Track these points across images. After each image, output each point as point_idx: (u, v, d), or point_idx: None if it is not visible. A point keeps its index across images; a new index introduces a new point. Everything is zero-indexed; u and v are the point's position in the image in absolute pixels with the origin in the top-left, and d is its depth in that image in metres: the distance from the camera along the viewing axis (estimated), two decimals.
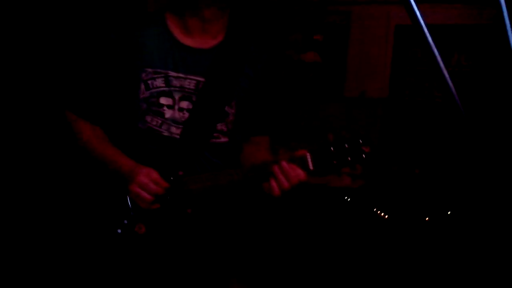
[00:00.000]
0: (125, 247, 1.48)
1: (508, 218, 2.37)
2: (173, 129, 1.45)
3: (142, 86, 1.43)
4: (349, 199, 2.97)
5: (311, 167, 1.33)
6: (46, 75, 2.62)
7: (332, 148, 1.32)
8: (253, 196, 1.64)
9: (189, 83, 1.44)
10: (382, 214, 2.78)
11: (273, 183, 1.34)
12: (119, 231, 1.45)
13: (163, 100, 1.44)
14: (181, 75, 1.44)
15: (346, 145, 1.31)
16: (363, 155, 1.30)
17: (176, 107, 1.45)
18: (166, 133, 1.45)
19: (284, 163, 1.33)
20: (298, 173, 1.33)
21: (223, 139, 1.50)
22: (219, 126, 1.48)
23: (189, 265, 1.55)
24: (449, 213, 2.69)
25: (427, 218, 2.69)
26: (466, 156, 2.71)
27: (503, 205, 2.43)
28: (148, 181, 1.39)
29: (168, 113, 1.44)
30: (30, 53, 2.64)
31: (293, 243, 2.77)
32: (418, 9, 0.70)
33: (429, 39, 0.66)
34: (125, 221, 1.46)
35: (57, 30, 2.66)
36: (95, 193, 1.50)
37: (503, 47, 0.67)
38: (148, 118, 1.44)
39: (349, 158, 1.31)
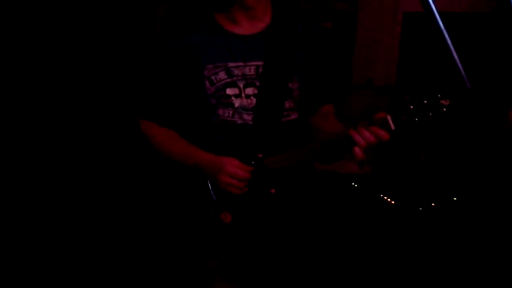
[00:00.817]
0: (213, 236, 1.54)
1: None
2: (245, 116, 1.50)
3: (207, 83, 1.48)
4: (356, 185, 3.01)
5: (392, 127, 1.32)
6: (119, 87, 2.72)
7: (411, 106, 1.29)
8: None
9: (249, 69, 1.49)
10: (389, 200, 2.82)
11: (355, 148, 1.34)
12: (211, 213, 1.51)
13: (229, 91, 1.49)
14: (240, 63, 1.49)
15: (425, 101, 1.28)
16: (444, 109, 1.27)
17: (243, 94, 1.49)
18: (239, 121, 1.50)
19: (361, 125, 1.34)
20: (380, 134, 1.32)
21: (293, 116, 1.55)
22: (287, 104, 1.52)
23: (273, 249, 1.60)
24: (454, 199, 2.72)
25: (433, 204, 2.73)
26: (470, 143, 2.74)
27: (506, 193, 2.46)
28: (235, 168, 1.45)
29: (237, 102, 1.49)
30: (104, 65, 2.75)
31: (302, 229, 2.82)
32: None
33: (441, 24, 0.69)
34: (212, 212, 1.51)
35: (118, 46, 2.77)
36: (178, 190, 1.57)
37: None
38: (220, 111, 1.50)
39: (430, 114, 1.28)
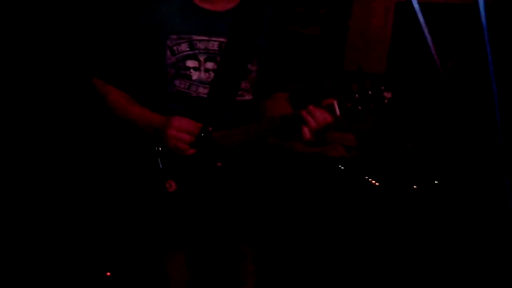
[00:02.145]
0: (156, 204, 1.56)
1: (492, 192, 2.54)
2: (201, 90, 1.53)
3: (168, 52, 1.51)
4: (343, 168, 3.14)
5: (338, 113, 1.41)
6: (72, 44, 2.68)
7: (356, 95, 1.39)
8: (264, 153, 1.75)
9: (213, 44, 1.52)
10: (374, 181, 2.95)
11: (304, 128, 1.42)
12: (149, 190, 1.53)
13: (189, 63, 1.52)
14: (204, 37, 1.52)
15: (370, 92, 1.38)
16: (385, 100, 1.37)
17: (202, 68, 1.52)
18: (194, 94, 1.53)
19: (311, 107, 1.41)
20: (326, 116, 1.40)
21: (247, 97, 1.58)
22: (243, 84, 1.56)
23: (213, 222, 1.64)
24: (435, 182, 2.87)
25: (415, 186, 2.87)
26: (451, 130, 2.87)
27: (487, 176, 2.60)
28: (184, 123, 1.48)
29: (195, 75, 1.52)
30: (54, 22, 2.70)
31: (291, 206, 2.94)
32: None
33: (420, 15, 0.80)
34: (156, 179, 1.53)
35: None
36: (124, 155, 1.59)
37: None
38: (177, 82, 1.52)
39: (373, 104, 1.38)
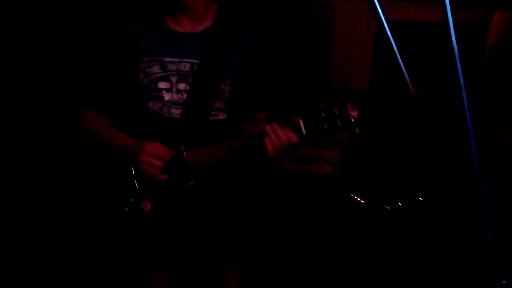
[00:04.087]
0: (133, 225, 1.57)
1: (473, 206, 2.54)
2: (173, 110, 1.54)
3: (141, 75, 1.53)
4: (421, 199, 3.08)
5: (304, 131, 1.41)
6: (53, 73, 2.68)
7: (323, 114, 1.39)
8: (243, 170, 1.74)
9: (184, 66, 1.54)
10: (359, 199, 2.94)
11: (267, 142, 1.42)
12: (126, 209, 1.55)
13: (161, 85, 1.53)
14: (176, 59, 1.53)
15: (336, 111, 1.39)
16: (352, 119, 1.37)
17: (174, 89, 1.54)
18: (167, 115, 1.54)
19: (274, 124, 1.41)
20: (289, 136, 1.40)
21: (221, 116, 1.59)
22: (217, 104, 1.56)
23: (191, 241, 1.64)
24: (420, 199, 2.86)
25: (399, 203, 2.86)
26: (433, 147, 2.88)
27: (469, 194, 2.60)
28: (155, 149, 1.50)
29: (167, 96, 1.53)
30: (34, 53, 2.70)
31: (277, 223, 2.91)
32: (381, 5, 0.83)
33: (389, 34, 0.79)
34: (132, 199, 1.55)
35: (60, 29, 2.73)
36: (102, 176, 1.60)
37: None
38: (150, 103, 1.54)
39: (339, 123, 1.38)
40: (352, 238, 2.79)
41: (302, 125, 1.41)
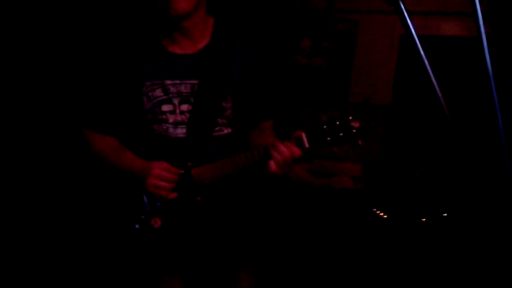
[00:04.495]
0: (144, 241, 1.61)
1: (501, 222, 2.49)
2: (179, 130, 1.58)
3: (145, 99, 1.57)
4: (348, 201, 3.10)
5: (306, 145, 1.43)
6: (61, 99, 2.75)
7: (325, 127, 1.41)
8: (256, 183, 1.76)
9: (185, 87, 1.57)
10: (381, 214, 2.91)
11: (270, 161, 1.44)
12: (137, 226, 1.59)
13: (164, 108, 1.58)
14: (176, 81, 1.57)
15: (338, 123, 1.40)
16: (353, 130, 1.39)
17: (177, 111, 1.58)
18: (173, 136, 1.58)
19: (277, 142, 1.44)
20: (293, 150, 1.43)
21: (226, 131, 1.62)
22: (220, 120, 1.60)
23: (202, 253, 1.67)
24: (444, 215, 2.81)
25: (423, 219, 2.82)
26: (460, 161, 2.84)
27: (496, 210, 2.56)
28: (161, 171, 1.54)
29: (171, 118, 1.58)
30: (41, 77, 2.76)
31: (298, 237, 2.90)
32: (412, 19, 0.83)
33: (420, 48, 0.79)
34: (142, 216, 1.59)
35: (63, 56, 2.79)
36: (113, 194, 1.65)
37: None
38: (155, 126, 1.59)
39: (341, 134, 1.39)
40: (370, 250, 2.76)
41: (304, 138, 1.43)
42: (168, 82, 1.56)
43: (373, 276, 2.64)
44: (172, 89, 1.56)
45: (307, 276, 2.69)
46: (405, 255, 2.70)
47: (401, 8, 0.78)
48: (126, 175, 1.61)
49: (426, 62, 0.82)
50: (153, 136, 1.59)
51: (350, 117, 1.40)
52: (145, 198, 1.60)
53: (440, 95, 0.87)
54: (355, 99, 3.73)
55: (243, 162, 1.50)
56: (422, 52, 0.81)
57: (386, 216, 2.89)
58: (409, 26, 0.81)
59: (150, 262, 1.67)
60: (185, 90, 1.57)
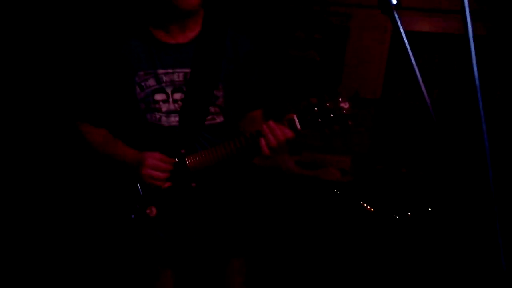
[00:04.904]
0: (139, 230, 1.62)
1: (484, 218, 2.53)
2: (172, 119, 1.59)
3: (137, 89, 1.57)
4: (338, 192, 3.14)
5: (298, 127, 1.44)
6: (53, 90, 2.74)
7: (315, 108, 1.42)
8: (248, 171, 1.78)
9: (178, 76, 1.58)
10: (368, 207, 2.95)
11: (262, 142, 1.45)
12: (133, 216, 1.60)
13: (157, 97, 1.58)
14: (169, 70, 1.58)
15: (328, 104, 1.42)
16: (343, 111, 1.41)
17: (171, 99, 1.58)
18: (166, 124, 1.58)
19: (271, 122, 1.45)
20: (285, 132, 1.44)
21: (218, 120, 1.63)
22: (212, 109, 1.61)
23: (196, 242, 1.68)
24: (429, 210, 2.86)
25: (409, 213, 2.86)
26: (445, 158, 2.88)
27: (480, 205, 2.60)
28: (156, 161, 1.54)
29: (164, 107, 1.58)
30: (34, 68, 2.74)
31: (287, 227, 2.93)
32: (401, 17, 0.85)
33: (407, 46, 0.81)
34: (137, 206, 1.60)
35: (55, 47, 2.77)
36: (107, 185, 1.65)
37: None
38: (148, 116, 1.59)
39: (332, 115, 1.41)
40: (357, 242, 2.80)
41: (296, 120, 1.44)
42: (161, 71, 1.57)
43: (361, 269, 2.68)
44: (165, 78, 1.57)
45: (296, 266, 2.73)
46: (391, 248, 2.74)
47: (396, 18, 0.80)
48: (119, 166, 1.62)
49: (412, 57, 0.84)
50: (146, 125, 1.60)
51: (340, 99, 1.41)
52: (139, 187, 1.61)
53: (425, 92, 0.88)
54: (346, 93, 3.75)
55: (235, 145, 1.51)
56: (413, 62, 0.82)
57: (372, 210, 2.93)
58: (402, 34, 0.82)
59: (145, 252, 1.68)
60: (177, 79, 1.58)
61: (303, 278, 2.64)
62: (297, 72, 3.85)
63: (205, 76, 1.58)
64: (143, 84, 1.57)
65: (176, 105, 1.58)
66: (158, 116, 1.58)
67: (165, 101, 1.58)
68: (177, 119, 1.58)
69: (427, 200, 2.92)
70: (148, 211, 1.59)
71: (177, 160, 1.57)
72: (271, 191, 3.04)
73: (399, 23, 0.81)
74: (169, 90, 1.58)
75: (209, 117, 1.60)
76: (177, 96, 1.58)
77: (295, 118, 1.44)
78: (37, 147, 2.81)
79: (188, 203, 1.62)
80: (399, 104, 3.64)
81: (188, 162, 1.56)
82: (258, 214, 1.80)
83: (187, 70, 1.58)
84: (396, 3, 0.81)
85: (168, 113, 1.58)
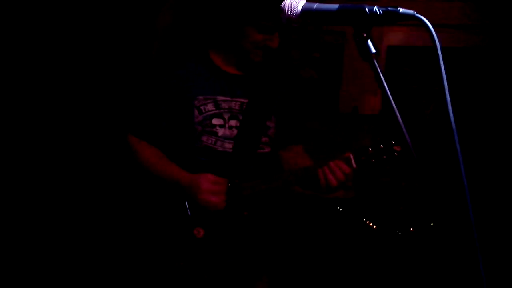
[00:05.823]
0: (185, 250, 1.67)
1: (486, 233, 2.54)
2: (226, 144, 1.67)
3: (196, 112, 1.66)
4: (341, 209, 3.15)
5: (354, 165, 1.56)
6: (111, 103, 2.80)
7: (370, 149, 1.55)
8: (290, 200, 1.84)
9: (235, 104, 1.69)
10: (371, 224, 2.95)
11: (322, 181, 1.55)
12: (179, 234, 1.63)
13: (215, 121, 1.67)
14: (228, 98, 1.68)
15: (381, 146, 1.54)
16: (395, 153, 1.53)
17: (227, 125, 1.68)
18: (220, 149, 1.67)
19: (331, 163, 1.56)
20: (344, 168, 1.55)
21: (267, 149, 1.73)
22: (263, 139, 1.71)
23: (242, 264, 1.74)
24: (431, 224, 2.86)
25: (411, 229, 2.87)
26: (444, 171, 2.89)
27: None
28: (211, 185, 1.61)
29: (220, 132, 1.67)
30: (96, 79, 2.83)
31: (293, 247, 2.94)
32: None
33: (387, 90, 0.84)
34: (185, 224, 1.65)
35: (124, 65, 2.86)
36: (157, 204, 1.70)
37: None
38: (204, 138, 1.66)
39: (384, 156, 1.53)
40: (363, 258, 2.80)
41: (352, 159, 1.55)
42: (220, 98, 1.67)
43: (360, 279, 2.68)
44: (223, 104, 1.67)
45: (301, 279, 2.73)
46: (394, 265, 2.74)
47: (375, 65, 0.85)
48: (169, 184, 1.67)
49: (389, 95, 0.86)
50: (199, 148, 1.67)
51: (393, 141, 1.53)
52: (187, 206, 1.66)
53: (399, 118, 0.91)
54: (345, 109, 3.78)
55: (292, 179, 1.61)
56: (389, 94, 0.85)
57: (375, 227, 2.94)
58: (381, 79, 0.86)
59: (183, 273, 1.70)
60: (235, 107, 1.68)
61: None
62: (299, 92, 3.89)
63: (260, 107, 1.69)
64: (202, 108, 1.65)
65: (231, 131, 1.67)
66: (214, 139, 1.66)
67: (222, 126, 1.66)
68: (231, 145, 1.66)
69: (427, 214, 2.93)
70: (195, 231, 1.63)
71: (229, 185, 1.62)
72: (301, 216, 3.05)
73: (378, 70, 0.86)
74: (226, 116, 1.67)
75: (260, 146, 1.70)
76: (233, 122, 1.67)
77: (351, 157, 1.55)
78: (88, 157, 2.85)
79: (237, 229, 1.67)
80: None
81: (243, 190, 1.63)
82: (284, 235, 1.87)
83: (244, 100, 1.68)
84: (375, 52, 0.86)
85: (224, 138, 1.66)
